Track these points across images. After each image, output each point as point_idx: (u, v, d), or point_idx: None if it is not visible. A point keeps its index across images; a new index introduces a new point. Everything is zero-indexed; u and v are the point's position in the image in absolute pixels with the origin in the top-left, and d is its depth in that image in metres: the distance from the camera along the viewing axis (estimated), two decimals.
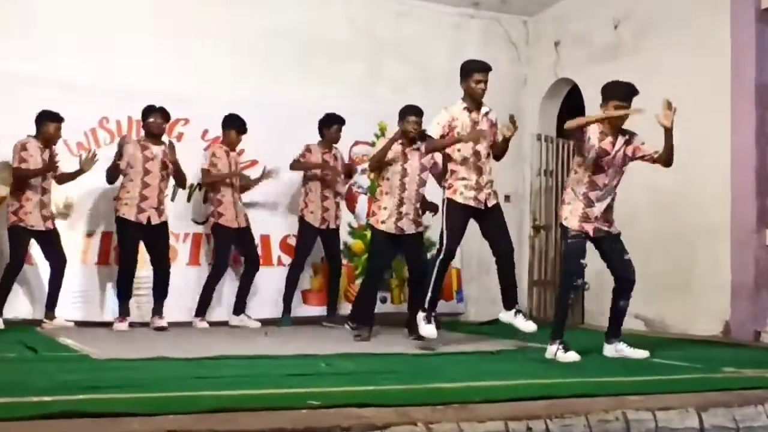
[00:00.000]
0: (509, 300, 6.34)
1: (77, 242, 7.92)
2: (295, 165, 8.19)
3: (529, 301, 9.42)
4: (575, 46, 9.64)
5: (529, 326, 6.30)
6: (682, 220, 8.15)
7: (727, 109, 7.74)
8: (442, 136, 6.24)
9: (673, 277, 8.20)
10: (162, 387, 4.03)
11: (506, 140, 6.36)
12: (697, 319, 7.96)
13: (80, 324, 7.58)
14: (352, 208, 8.79)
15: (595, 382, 4.70)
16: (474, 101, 6.38)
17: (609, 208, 5.96)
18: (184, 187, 8.04)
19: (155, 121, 7.69)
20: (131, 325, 7.59)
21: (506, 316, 6.34)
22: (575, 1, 9.67)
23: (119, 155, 7.61)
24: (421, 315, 6.20)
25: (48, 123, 7.42)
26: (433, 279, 6.21)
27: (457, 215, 6.22)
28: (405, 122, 7.07)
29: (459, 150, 6.24)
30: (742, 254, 7.58)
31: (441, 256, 6.18)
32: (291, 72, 8.91)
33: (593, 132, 5.83)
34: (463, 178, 6.22)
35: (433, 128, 6.28)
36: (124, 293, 7.64)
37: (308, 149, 8.22)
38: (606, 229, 5.93)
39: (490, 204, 6.30)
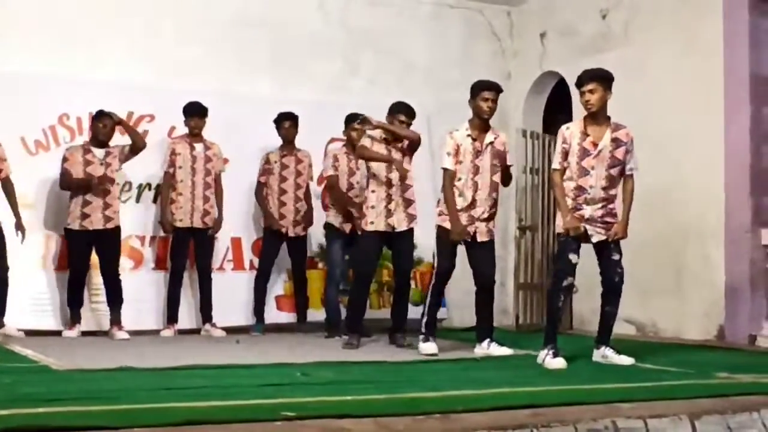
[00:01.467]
0: (482, 331, 6.67)
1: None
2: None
3: (515, 306, 9.45)
4: (562, 37, 9.67)
5: (505, 351, 6.54)
6: (674, 219, 8.18)
7: (720, 103, 7.78)
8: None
9: (664, 280, 8.25)
10: (129, 399, 4.01)
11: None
12: (690, 322, 8.01)
13: (35, 333, 7.53)
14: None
15: (584, 389, 4.74)
16: (481, 121, 6.54)
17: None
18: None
19: (104, 126, 7.73)
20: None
21: (480, 350, 6.61)
22: None
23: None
24: (420, 336, 6.55)
25: None
26: (428, 303, 6.59)
27: (446, 244, 6.52)
28: (395, 119, 7.10)
29: (460, 179, 6.47)
30: (737, 255, 7.62)
31: (433, 281, 6.57)
32: (261, 63, 8.94)
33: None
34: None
35: (445, 160, 6.52)
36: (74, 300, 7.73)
37: (266, 159, 8.33)
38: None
39: (479, 239, 6.55)
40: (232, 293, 8.37)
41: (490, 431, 3.53)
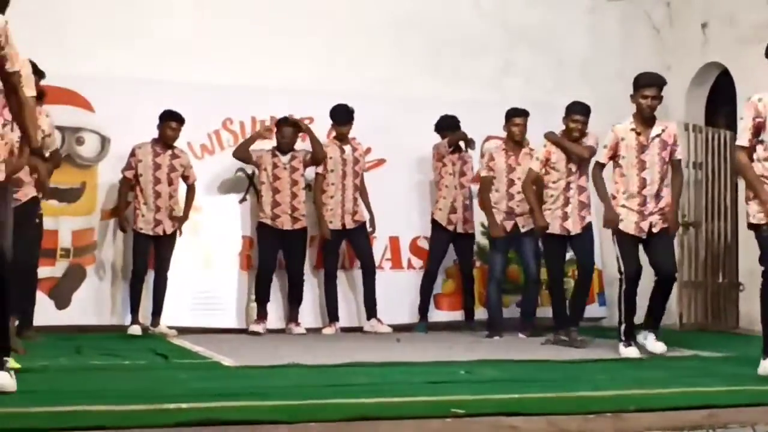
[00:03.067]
0: (648, 321, 6.44)
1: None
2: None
3: (679, 305, 9.17)
4: (724, 26, 9.33)
5: (659, 347, 6.26)
6: None
7: None
8: (610, 158, 6.33)
9: None
10: (299, 395, 4.08)
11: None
12: None
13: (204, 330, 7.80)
14: None
15: (757, 390, 4.54)
16: (643, 118, 6.31)
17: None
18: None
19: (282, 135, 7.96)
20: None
21: (640, 338, 6.36)
22: None
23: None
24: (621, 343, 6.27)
25: (165, 123, 7.69)
26: (623, 310, 6.29)
27: (626, 243, 6.32)
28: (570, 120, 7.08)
29: (624, 175, 6.31)
30: None
31: (624, 286, 6.29)
32: (417, 64, 8.95)
33: None
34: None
35: (600, 153, 6.48)
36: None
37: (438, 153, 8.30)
38: None
39: (655, 231, 6.35)
40: (390, 291, 8.39)
41: (665, 431, 3.46)
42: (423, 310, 8.34)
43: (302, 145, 8.15)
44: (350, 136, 8.22)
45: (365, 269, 8.25)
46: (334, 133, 8.27)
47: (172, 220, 7.71)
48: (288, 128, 7.97)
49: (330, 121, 8.20)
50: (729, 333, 8.08)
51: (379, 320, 8.15)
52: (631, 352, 6.14)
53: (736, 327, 8.79)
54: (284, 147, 7.97)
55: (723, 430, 3.55)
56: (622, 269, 6.25)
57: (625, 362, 5.98)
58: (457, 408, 3.64)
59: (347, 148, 8.21)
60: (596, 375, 5.14)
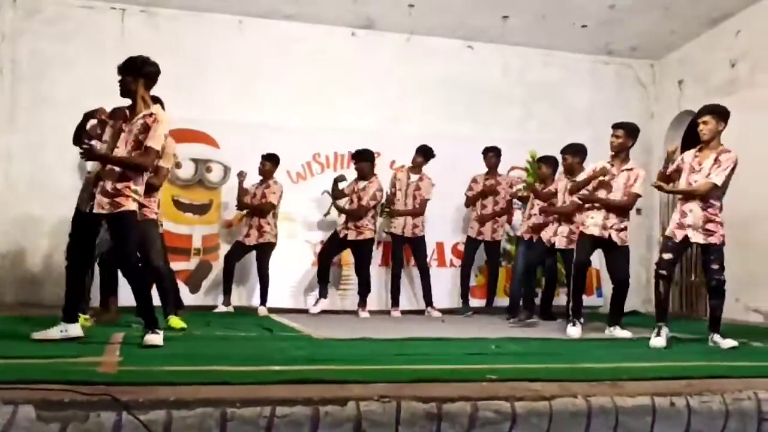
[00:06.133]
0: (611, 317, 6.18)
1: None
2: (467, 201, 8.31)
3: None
4: (696, 83, 9.18)
5: (626, 334, 6.02)
6: None
7: None
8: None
9: None
10: (370, 361, 4.11)
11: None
12: None
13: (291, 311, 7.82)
14: (509, 221, 8.68)
15: (727, 365, 4.42)
16: (614, 155, 6.18)
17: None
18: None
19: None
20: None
21: (608, 331, 6.12)
22: (696, 46, 9.20)
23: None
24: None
25: (263, 161, 7.70)
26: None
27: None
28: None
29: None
30: None
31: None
32: (460, 111, 8.95)
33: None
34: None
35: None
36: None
37: (473, 179, 8.25)
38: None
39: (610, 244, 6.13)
40: (437, 284, 8.34)
41: (652, 396, 3.39)
42: (465, 296, 8.26)
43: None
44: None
45: (421, 269, 8.17)
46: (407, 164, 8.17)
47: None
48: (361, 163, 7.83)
49: (390, 155, 8.25)
50: (699, 320, 7.87)
51: (433, 308, 8.11)
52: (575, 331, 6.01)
53: (705, 315, 8.55)
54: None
55: (698, 396, 3.45)
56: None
57: (619, 341, 5.85)
58: (491, 374, 3.62)
59: (414, 176, 8.08)
60: (596, 351, 5.06)
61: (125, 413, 2.81)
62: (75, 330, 4.65)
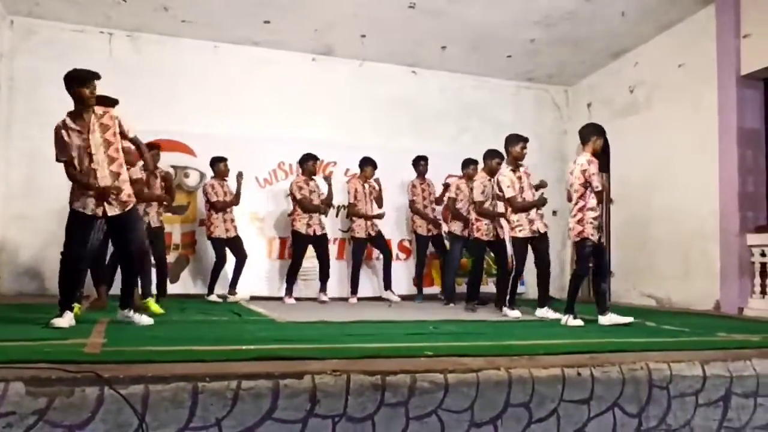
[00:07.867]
0: (542, 300, 6.26)
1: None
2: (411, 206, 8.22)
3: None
4: (602, 106, 9.38)
5: (551, 314, 6.09)
6: (684, 227, 7.82)
7: (716, 149, 7.40)
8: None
9: (677, 268, 7.88)
10: (325, 340, 4.09)
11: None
12: (695, 298, 7.61)
13: (262, 298, 7.70)
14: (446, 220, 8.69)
15: (625, 341, 4.53)
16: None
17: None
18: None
19: (314, 164, 7.78)
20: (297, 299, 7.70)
21: (539, 312, 6.19)
22: (602, 74, 9.41)
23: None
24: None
25: (218, 164, 7.48)
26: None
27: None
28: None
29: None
30: (729, 251, 7.21)
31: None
32: (404, 127, 8.98)
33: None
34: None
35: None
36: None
37: (412, 185, 8.23)
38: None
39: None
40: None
41: (562, 368, 3.44)
42: (419, 286, 8.20)
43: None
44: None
45: (385, 259, 8.05)
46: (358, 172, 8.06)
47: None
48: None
49: (345, 164, 8.21)
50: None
51: (392, 292, 8.04)
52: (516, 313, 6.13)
53: (609, 301, 8.71)
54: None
55: (600, 367, 3.51)
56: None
57: (537, 322, 5.91)
58: (428, 351, 3.63)
59: (366, 184, 8.01)
60: (517, 330, 5.11)
61: (107, 388, 2.74)
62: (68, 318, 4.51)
